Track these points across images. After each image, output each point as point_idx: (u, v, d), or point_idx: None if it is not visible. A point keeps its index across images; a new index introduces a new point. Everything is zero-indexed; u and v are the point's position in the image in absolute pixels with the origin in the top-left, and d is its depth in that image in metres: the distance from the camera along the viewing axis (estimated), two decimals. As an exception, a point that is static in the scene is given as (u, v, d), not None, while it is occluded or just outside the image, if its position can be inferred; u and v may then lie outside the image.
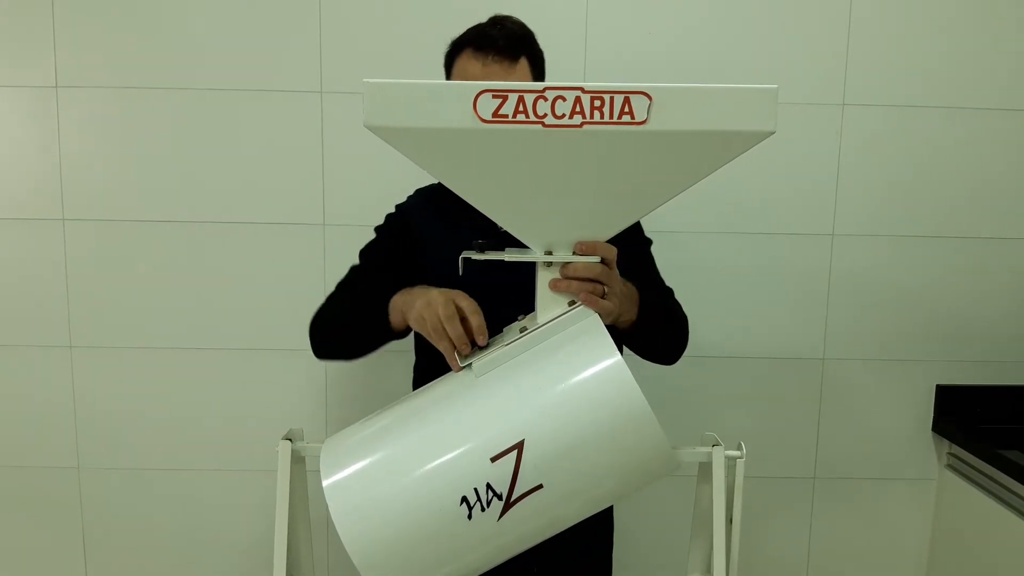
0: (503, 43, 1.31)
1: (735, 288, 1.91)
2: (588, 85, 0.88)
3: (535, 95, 0.88)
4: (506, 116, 0.87)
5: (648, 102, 0.87)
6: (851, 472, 1.98)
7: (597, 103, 0.87)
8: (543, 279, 1.03)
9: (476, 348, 1.05)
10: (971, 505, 1.82)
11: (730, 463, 1.11)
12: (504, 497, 0.96)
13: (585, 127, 0.88)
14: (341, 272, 1.74)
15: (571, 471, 0.96)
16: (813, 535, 2.00)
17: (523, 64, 1.34)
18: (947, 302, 1.92)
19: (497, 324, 1.10)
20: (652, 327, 1.25)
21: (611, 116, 0.88)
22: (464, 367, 1.04)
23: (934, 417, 1.96)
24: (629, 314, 1.17)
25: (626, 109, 0.87)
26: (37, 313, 1.89)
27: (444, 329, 1.04)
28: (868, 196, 1.88)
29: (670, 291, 1.49)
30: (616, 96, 0.87)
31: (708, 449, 1.10)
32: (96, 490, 1.96)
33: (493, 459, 0.96)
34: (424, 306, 1.08)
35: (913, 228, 1.89)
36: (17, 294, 1.89)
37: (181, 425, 1.93)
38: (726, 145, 0.91)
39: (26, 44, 1.80)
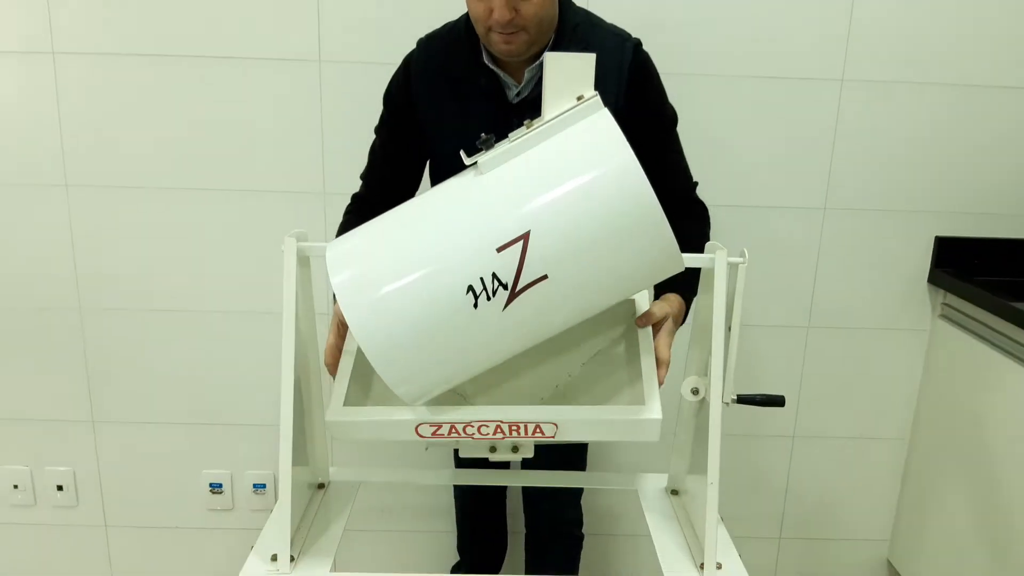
0: None
1: (737, 134, 1.88)
2: (507, 416, 1.07)
3: (463, 424, 1.08)
4: (442, 435, 1.09)
5: (555, 428, 1.07)
6: (845, 323, 2.01)
7: (515, 428, 1.07)
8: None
9: (479, 151, 1.04)
10: (962, 351, 1.86)
11: (731, 270, 1.11)
12: (509, 287, 0.96)
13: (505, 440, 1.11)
14: (338, 108, 1.70)
15: (577, 262, 0.96)
16: (804, 380, 2.05)
17: None
18: (949, 153, 1.90)
19: None
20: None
21: (527, 434, 1.08)
22: (470, 165, 1.03)
23: (931, 268, 1.97)
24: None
25: (537, 432, 1.07)
26: (30, 150, 1.86)
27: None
28: (880, 42, 1.83)
29: (694, 185, 1.50)
30: (529, 425, 1.07)
31: (711, 254, 1.10)
32: (98, 330, 1.97)
33: (499, 249, 0.96)
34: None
35: (918, 75, 1.85)
36: (8, 131, 1.85)
37: (182, 265, 1.94)
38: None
39: None
